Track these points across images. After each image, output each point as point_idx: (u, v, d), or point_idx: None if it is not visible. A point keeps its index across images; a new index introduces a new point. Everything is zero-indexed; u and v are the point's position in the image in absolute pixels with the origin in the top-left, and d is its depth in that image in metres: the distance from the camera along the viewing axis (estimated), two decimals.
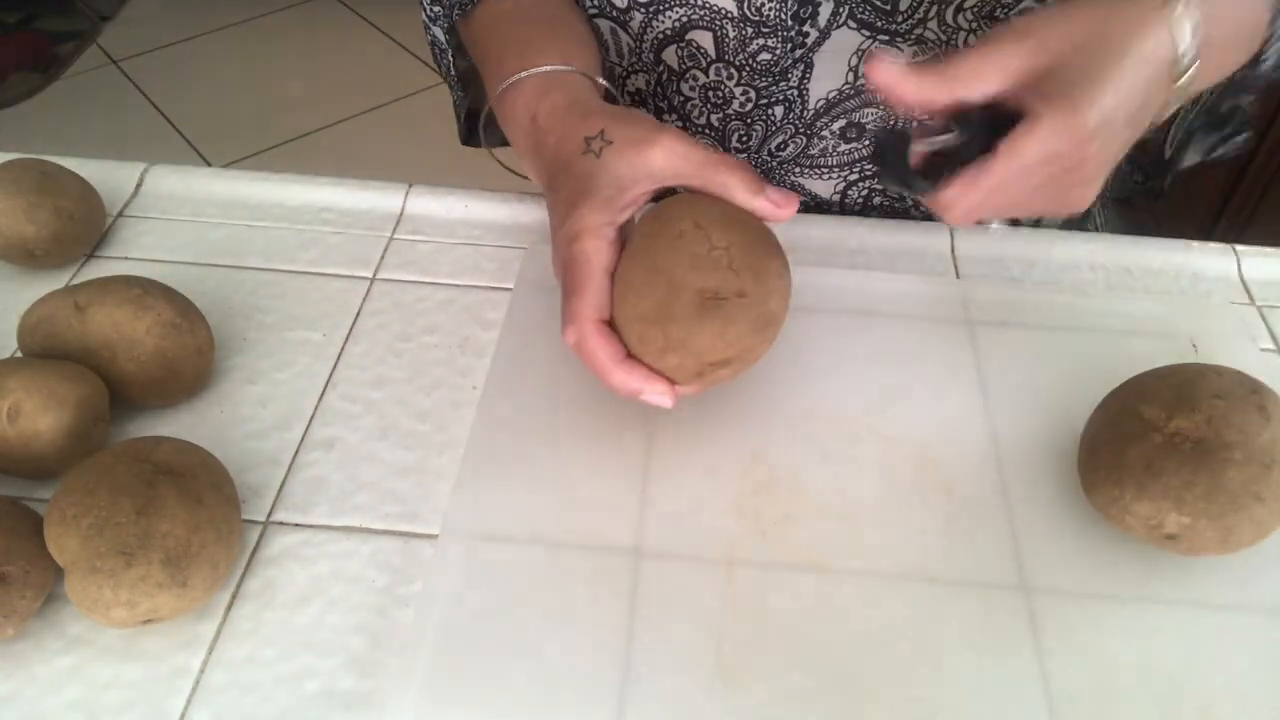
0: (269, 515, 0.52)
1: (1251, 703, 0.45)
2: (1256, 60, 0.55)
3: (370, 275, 0.66)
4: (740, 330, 0.47)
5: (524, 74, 0.57)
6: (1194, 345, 0.61)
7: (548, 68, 0.57)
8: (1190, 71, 0.46)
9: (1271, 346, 0.63)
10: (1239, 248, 0.69)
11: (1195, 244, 0.69)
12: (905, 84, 0.45)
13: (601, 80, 0.60)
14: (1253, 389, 0.48)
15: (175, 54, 2.47)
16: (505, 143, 0.66)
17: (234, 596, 0.49)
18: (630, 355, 0.49)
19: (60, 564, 0.45)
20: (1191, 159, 0.68)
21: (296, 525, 0.52)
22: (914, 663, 0.46)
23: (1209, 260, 0.68)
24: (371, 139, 2.21)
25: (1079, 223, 0.77)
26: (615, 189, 0.50)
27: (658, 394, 0.49)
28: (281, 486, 0.54)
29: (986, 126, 0.45)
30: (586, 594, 0.48)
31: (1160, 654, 0.47)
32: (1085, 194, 0.47)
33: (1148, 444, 0.47)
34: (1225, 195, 1.51)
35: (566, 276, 0.49)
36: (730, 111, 0.70)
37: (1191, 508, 0.46)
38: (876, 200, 0.74)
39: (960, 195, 0.45)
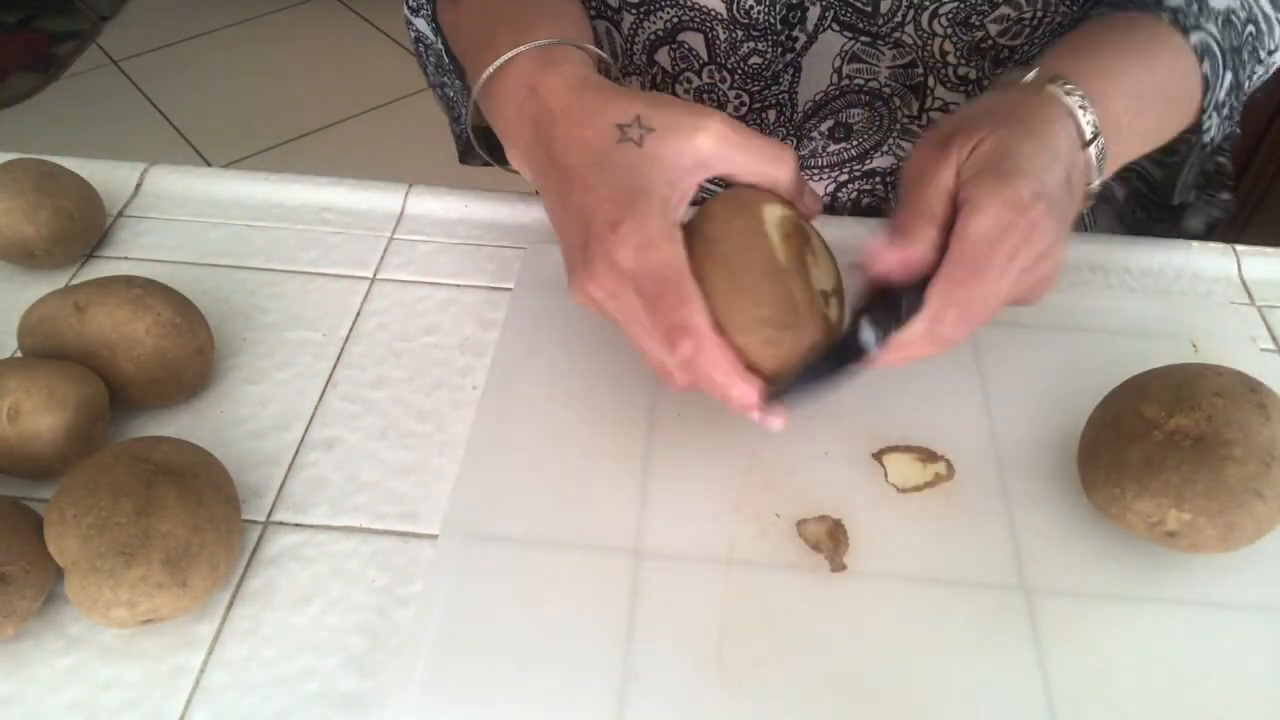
0: (269, 515, 0.52)
1: (1252, 702, 0.45)
2: (1198, 130, 0.57)
3: (370, 275, 0.66)
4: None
5: (522, 48, 0.52)
6: (1194, 345, 0.61)
7: (545, 40, 0.52)
8: (1098, 141, 0.49)
9: (1271, 346, 0.63)
10: (1239, 248, 0.69)
11: (1195, 244, 0.69)
12: (904, 249, 0.45)
13: (602, 54, 0.55)
14: (1252, 388, 0.48)
15: (175, 54, 2.47)
16: (501, 159, 0.64)
17: (234, 596, 0.49)
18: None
19: (60, 564, 0.45)
20: (1195, 225, 0.70)
21: (296, 525, 0.52)
22: (914, 662, 0.46)
23: (1209, 260, 0.68)
24: (371, 139, 2.22)
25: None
26: (669, 185, 0.45)
27: (771, 417, 0.46)
28: (281, 486, 0.54)
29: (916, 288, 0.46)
30: (586, 594, 0.48)
31: (1160, 653, 0.47)
32: (1052, 265, 0.47)
33: (1148, 442, 0.47)
34: None
35: (652, 286, 0.44)
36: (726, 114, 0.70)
37: (1192, 504, 0.46)
38: (865, 201, 0.74)
39: (943, 302, 0.45)
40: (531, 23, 0.54)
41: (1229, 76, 0.56)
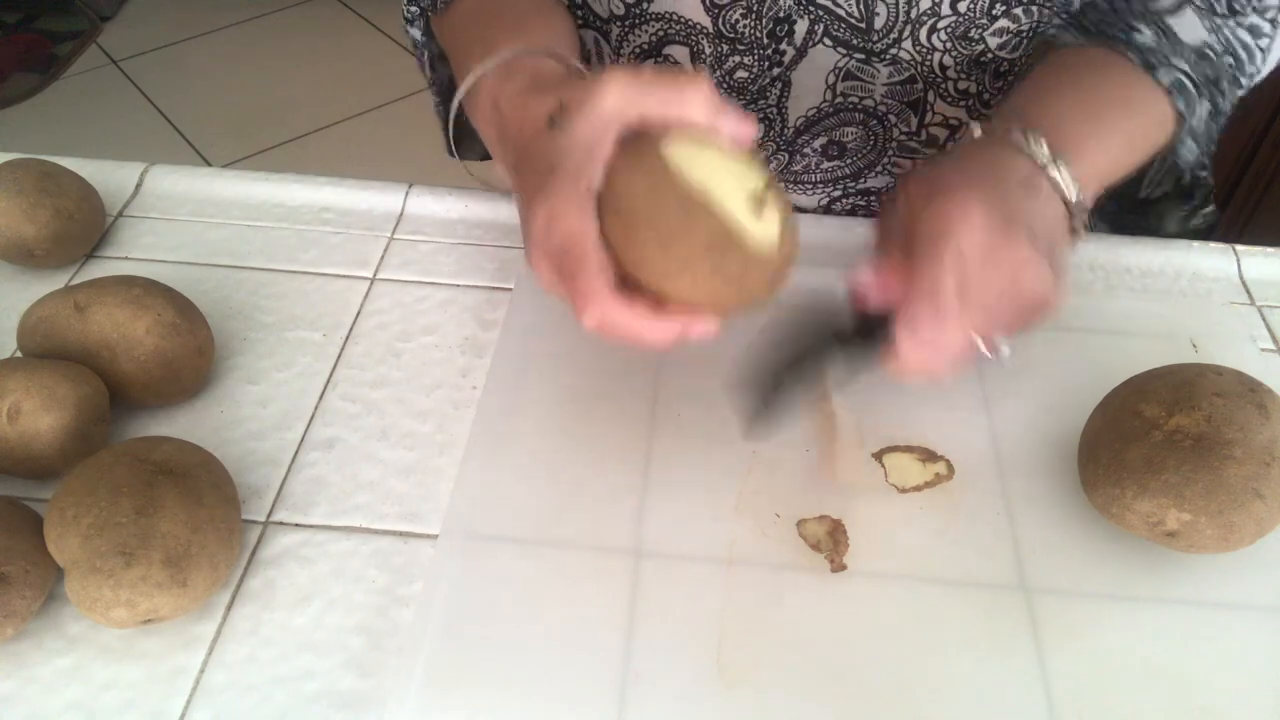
0: (269, 515, 0.52)
1: (1252, 701, 0.45)
2: (1174, 150, 0.58)
3: (370, 275, 0.66)
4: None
5: (489, 62, 0.53)
6: (1194, 345, 0.61)
7: (508, 52, 0.53)
8: (1081, 197, 0.50)
9: (1271, 346, 0.63)
10: (1239, 248, 0.69)
11: (1195, 244, 0.69)
12: (938, 340, 0.46)
13: (573, 61, 0.55)
14: (1252, 387, 0.48)
15: (175, 54, 2.47)
16: (485, 156, 0.65)
17: (234, 596, 0.49)
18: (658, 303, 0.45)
19: (60, 564, 0.45)
20: (1171, 227, 0.70)
21: (296, 525, 0.52)
22: (914, 662, 0.46)
23: (1209, 260, 0.68)
24: (371, 139, 2.21)
25: None
26: (584, 153, 0.45)
27: (699, 325, 0.45)
28: (281, 486, 0.54)
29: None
30: (586, 594, 0.48)
31: (1160, 653, 0.47)
32: (1038, 275, 0.46)
33: (1148, 442, 0.47)
34: (1225, 195, 1.51)
35: (559, 259, 0.45)
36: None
37: (1192, 504, 0.46)
38: (860, 215, 0.74)
39: (902, 334, 0.45)
40: (508, 38, 0.55)
41: (1205, 106, 0.57)
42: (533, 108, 0.49)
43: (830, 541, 0.50)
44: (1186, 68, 0.55)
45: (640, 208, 0.44)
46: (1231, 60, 0.57)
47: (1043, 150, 0.49)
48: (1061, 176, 0.49)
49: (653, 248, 0.44)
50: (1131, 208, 0.71)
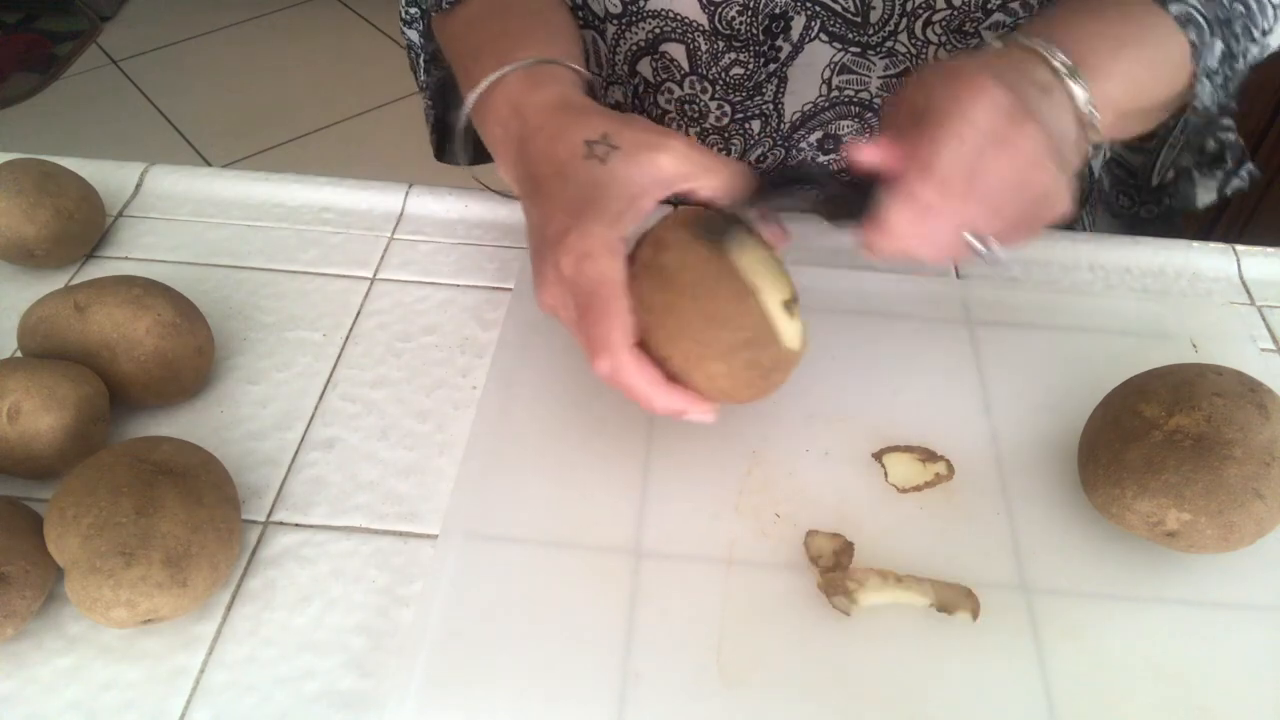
0: (269, 515, 0.52)
1: (1252, 702, 0.45)
2: (1191, 97, 0.57)
3: (370, 275, 0.66)
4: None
5: (507, 68, 0.53)
6: (1194, 345, 0.61)
7: (531, 59, 0.53)
8: (1093, 111, 0.48)
9: (1271, 346, 0.63)
10: (1239, 248, 0.69)
11: (1195, 244, 0.69)
12: (880, 151, 0.45)
13: (585, 73, 0.57)
14: (1252, 387, 0.48)
15: (175, 54, 2.47)
16: (477, 159, 0.65)
17: (234, 596, 0.49)
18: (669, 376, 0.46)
19: (60, 564, 0.45)
20: (1205, 198, 0.68)
21: (296, 525, 0.52)
22: (914, 662, 0.46)
23: (1209, 260, 0.68)
24: (371, 139, 2.21)
25: (1068, 225, 0.76)
26: (626, 200, 0.46)
27: (699, 413, 0.47)
28: (281, 486, 0.54)
29: None
30: (586, 594, 0.48)
31: (1160, 653, 0.47)
32: (1048, 171, 0.45)
33: (1148, 442, 0.47)
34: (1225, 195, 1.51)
35: (583, 298, 0.45)
36: (707, 125, 0.70)
37: (1192, 504, 0.46)
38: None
39: (930, 176, 0.44)
40: (520, 41, 0.55)
41: (1219, 45, 0.55)
42: (569, 129, 0.49)
43: (833, 560, 0.50)
44: (1196, 3, 0.54)
45: (690, 283, 0.45)
46: (1242, 8, 0.56)
47: (1060, 59, 0.48)
48: (1077, 88, 0.48)
49: (696, 326, 0.45)
50: (1149, 196, 0.70)
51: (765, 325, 0.46)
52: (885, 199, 0.44)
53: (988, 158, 0.44)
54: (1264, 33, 0.59)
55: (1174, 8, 0.54)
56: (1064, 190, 0.46)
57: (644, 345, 0.46)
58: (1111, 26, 0.53)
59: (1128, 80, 0.51)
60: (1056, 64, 0.48)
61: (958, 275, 0.66)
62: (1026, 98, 0.45)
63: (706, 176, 0.48)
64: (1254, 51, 0.59)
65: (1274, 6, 0.58)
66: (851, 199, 0.47)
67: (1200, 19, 0.54)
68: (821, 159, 0.71)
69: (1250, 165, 0.66)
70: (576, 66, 0.55)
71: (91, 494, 0.45)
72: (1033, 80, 0.47)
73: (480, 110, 0.55)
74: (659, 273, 0.45)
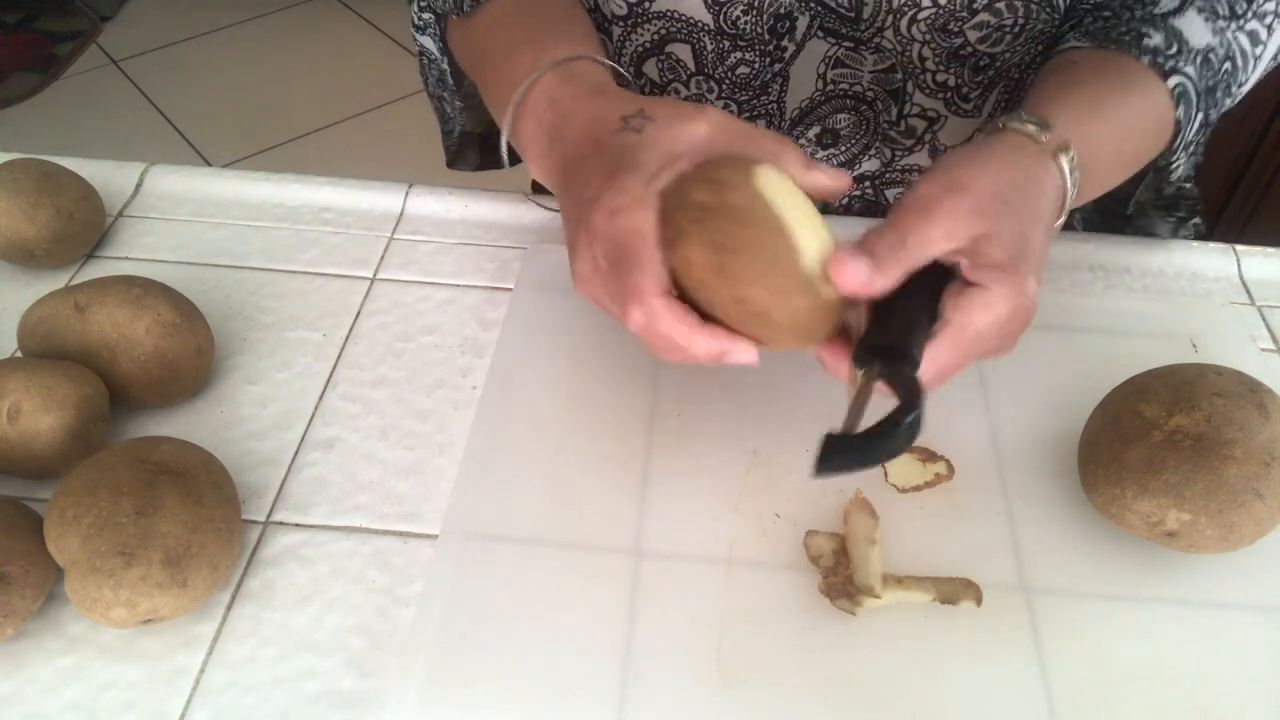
0: (269, 515, 0.52)
1: (1252, 702, 0.45)
2: (1167, 170, 0.59)
3: (370, 275, 0.66)
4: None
5: (545, 67, 0.53)
6: (1194, 345, 0.61)
7: (564, 57, 0.54)
8: (1072, 196, 0.50)
9: (1271, 346, 0.63)
10: (1239, 248, 0.69)
11: (1195, 244, 0.69)
12: (875, 279, 0.44)
13: (617, 67, 0.57)
14: (1252, 388, 0.48)
15: (175, 54, 2.47)
16: (483, 165, 0.64)
17: (234, 596, 0.49)
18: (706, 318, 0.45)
19: (60, 564, 0.45)
20: (1166, 233, 0.70)
21: (296, 525, 0.52)
22: (914, 661, 0.46)
23: (1209, 260, 0.68)
24: (371, 139, 2.21)
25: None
26: (661, 162, 0.45)
27: (743, 352, 0.45)
28: (281, 486, 0.54)
29: (923, 284, 0.45)
30: (586, 594, 0.48)
31: (1160, 653, 0.47)
32: (1029, 316, 0.46)
33: (1148, 442, 0.47)
34: (1225, 195, 1.51)
35: (614, 251, 0.44)
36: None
37: (1192, 504, 0.46)
38: (856, 207, 0.74)
39: (930, 374, 0.45)
40: (552, 40, 0.56)
41: (1199, 118, 0.57)
42: (606, 108, 0.49)
43: (833, 560, 0.50)
44: (1193, 72, 0.55)
45: (768, 219, 0.43)
46: (1229, 67, 0.57)
47: (1070, 167, 0.49)
48: (1065, 166, 0.49)
49: (782, 261, 0.43)
50: (1122, 221, 0.71)
51: (811, 270, 0.44)
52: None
53: (982, 348, 0.46)
54: (1240, 85, 0.60)
55: (1172, 80, 0.55)
56: (1034, 308, 0.47)
57: (707, 290, 0.44)
58: (1101, 98, 0.54)
59: (1110, 180, 0.54)
60: (1063, 166, 0.49)
61: None
62: (1040, 268, 0.46)
63: (750, 143, 0.47)
64: (1227, 104, 0.60)
65: (1255, 59, 0.59)
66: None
67: (1192, 94, 0.55)
68: (821, 154, 0.71)
69: (1198, 219, 0.68)
70: (609, 62, 0.56)
71: (91, 494, 0.45)
72: (1039, 210, 0.48)
73: (517, 109, 0.55)
74: (730, 212, 0.43)
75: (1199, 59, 0.55)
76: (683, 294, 0.44)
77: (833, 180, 0.49)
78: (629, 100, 0.49)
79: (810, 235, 0.45)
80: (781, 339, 0.45)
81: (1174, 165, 0.59)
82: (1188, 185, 0.65)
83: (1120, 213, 0.70)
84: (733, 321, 0.44)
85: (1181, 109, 0.55)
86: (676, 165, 0.45)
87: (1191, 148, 0.59)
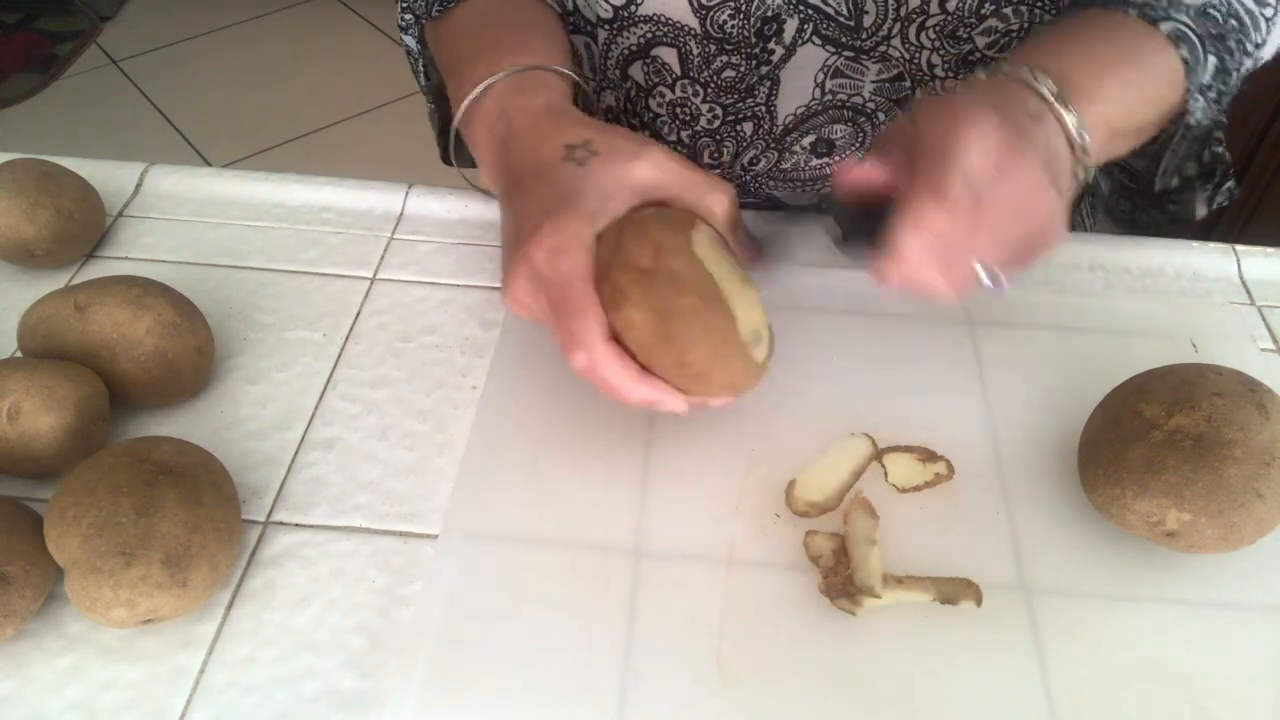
0: (269, 515, 0.52)
1: (1252, 702, 0.45)
2: (1183, 115, 0.57)
3: (370, 275, 0.66)
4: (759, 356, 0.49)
5: (500, 74, 0.54)
6: (1194, 345, 0.61)
7: (523, 65, 0.54)
8: (1085, 136, 0.49)
9: (1271, 346, 0.63)
10: (1239, 248, 0.69)
11: (1195, 244, 0.69)
12: (866, 171, 0.46)
13: (577, 78, 0.57)
14: (1252, 388, 0.48)
15: (175, 54, 2.47)
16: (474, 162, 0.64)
17: (234, 596, 0.49)
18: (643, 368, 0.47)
19: (60, 564, 0.45)
20: (1201, 211, 0.69)
21: (296, 525, 0.52)
22: (914, 661, 0.46)
23: (1209, 260, 0.68)
24: (371, 139, 2.21)
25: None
26: (600, 200, 0.47)
27: (675, 403, 0.48)
28: (281, 486, 0.54)
29: None
30: (587, 594, 0.48)
31: (1160, 654, 0.47)
32: (1047, 201, 0.46)
33: (1148, 442, 0.47)
34: None
35: (556, 293, 0.46)
36: (699, 128, 0.70)
37: (1192, 504, 0.46)
38: None
39: (908, 221, 0.45)
40: (512, 48, 0.56)
41: (1212, 60, 0.55)
42: (552, 133, 0.50)
43: (833, 560, 0.50)
44: (1188, 19, 0.54)
45: (706, 288, 0.46)
46: (1235, 24, 0.56)
47: (1048, 87, 0.49)
48: (1067, 114, 0.48)
49: (719, 326, 0.46)
50: (1150, 202, 0.70)
51: (743, 333, 0.47)
52: (897, 225, 0.45)
53: (993, 186, 0.44)
54: (1257, 45, 0.59)
55: (1165, 26, 0.54)
56: (1061, 219, 0.47)
57: (648, 350, 0.46)
58: (1099, 48, 0.53)
59: (1117, 100, 0.52)
60: (1044, 92, 0.49)
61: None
62: (1021, 127, 0.46)
63: (685, 187, 0.49)
64: (1247, 64, 0.59)
65: (1266, 20, 0.58)
66: (862, 224, 0.48)
67: (1192, 36, 0.55)
68: (815, 163, 0.71)
69: (1233, 182, 0.67)
70: (567, 72, 0.56)
71: (91, 494, 0.45)
72: (1025, 109, 0.48)
73: (470, 114, 0.56)
74: (670, 278, 0.45)
75: (1193, 11, 0.55)
76: (617, 342, 0.47)
77: (743, 255, 0.51)
78: (577, 128, 0.50)
79: (742, 301, 0.47)
80: (715, 394, 0.49)
81: (1191, 108, 0.56)
82: (1220, 149, 0.63)
83: (1149, 193, 0.68)
84: (670, 378, 0.47)
85: (1185, 49, 0.54)
86: (612, 206, 0.47)
87: (1213, 93, 0.57)
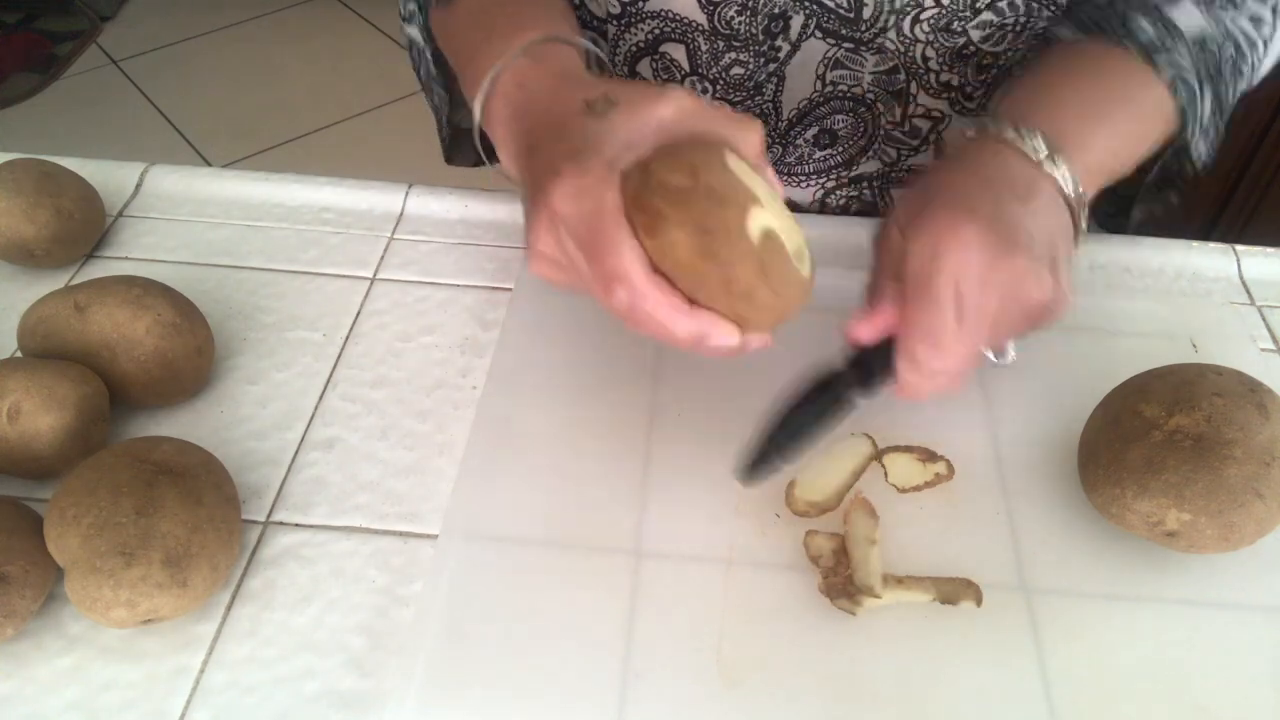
0: (269, 515, 0.52)
1: (1252, 702, 0.45)
2: (1185, 151, 0.57)
3: (370, 275, 0.66)
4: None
5: (515, 52, 0.52)
6: (1194, 345, 0.61)
7: (538, 37, 0.53)
8: (1081, 192, 0.49)
9: (1271, 346, 0.63)
10: (1239, 248, 0.69)
11: (1195, 244, 0.69)
12: (871, 321, 0.46)
13: (592, 47, 0.56)
14: (1252, 388, 0.48)
15: (175, 54, 2.47)
16: (483, 161, 0.64)
17: (234, 596, 0.49)
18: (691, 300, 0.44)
19: (60, 564, 0.45)
20: (1136, 217, 0.68)
21: (296, 525, 0.52)
22: (913, 661, 0.46)
23: (1209, 260, 0.68)
24: (371, 139, 2.21)
25: None
26: (623, 145, 0.44)
27: (725, 335, 0.44)
28: (281, 486, 0.54)
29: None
30: (586, 594, 0.48)
31: (1160, 653, 0.47)
32: (1039, 283, 0.46)
33: (1148, 442, 0.47)
34: (1225, 195, 1.51)
35: (585, 234, 0.43)
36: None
37: (1192, 504, 0.46)
38: (854, 207, 0.74)
39: (908, 340, 0.45)
40: (525, 26, 0.54)
41: (1209, 99, 0.56)
42: (570, 91, 0.48)
43: (833, 560, 0.50)
44: (1187, 63, 0.54)
45: (724, 203, 0.43)
46: (1233, 50, 0.57)
47: (1040, 146, 0.49)
48: (1060, 173, 0.49)
49: (734, 243, 0.42)
50: (1113, 210, 0.70)
51: (787, 248, 0.45)
52: (899, 367, 0.46)
53: (976, 299, 0.45)
54: (1253, 68, 0.59)
55: (1166, 72, 0.54)
56: (1061, 293, 0.47)
57: (693, 271, 0.43)
58: (1089, 91, 0.53)
59: (1109, 147, 0.52)
60: (1032, 155, 0.49)
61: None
62: (1004, 220, 0.46)
63: (711, 121, 0.46)
64: (1242, 87, 0.59)
65: (1264, 41, 0.59)
66: (870, 366, 0.48)
67: (1192, 79, 0.55)
68: (818, 155, 0.71)
69: (1176, 194, 0.67)
70: (580, 41, 0.54)
71: (91, 494, 0.45)
72: (1012, 188, 0.48)
73: (489, 94, 0.54)
74: (708, 193, 0.43)
75: (1194, 47, 0.55)
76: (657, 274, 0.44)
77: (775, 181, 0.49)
78: (594, 83, 0.48)
79: (782, 212, 0.45)
80: (763, 317, 0.45)
81: (1195, 154, 0.57)
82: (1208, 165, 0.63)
83: (1118, 195, 0.68)
84: (717, 302, 0.43)
85: (1184, 95, 0.54)
86: (639, 149, 0.44)
87: (1211, 133, 0.58)
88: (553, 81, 0.50)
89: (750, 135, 0.47)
